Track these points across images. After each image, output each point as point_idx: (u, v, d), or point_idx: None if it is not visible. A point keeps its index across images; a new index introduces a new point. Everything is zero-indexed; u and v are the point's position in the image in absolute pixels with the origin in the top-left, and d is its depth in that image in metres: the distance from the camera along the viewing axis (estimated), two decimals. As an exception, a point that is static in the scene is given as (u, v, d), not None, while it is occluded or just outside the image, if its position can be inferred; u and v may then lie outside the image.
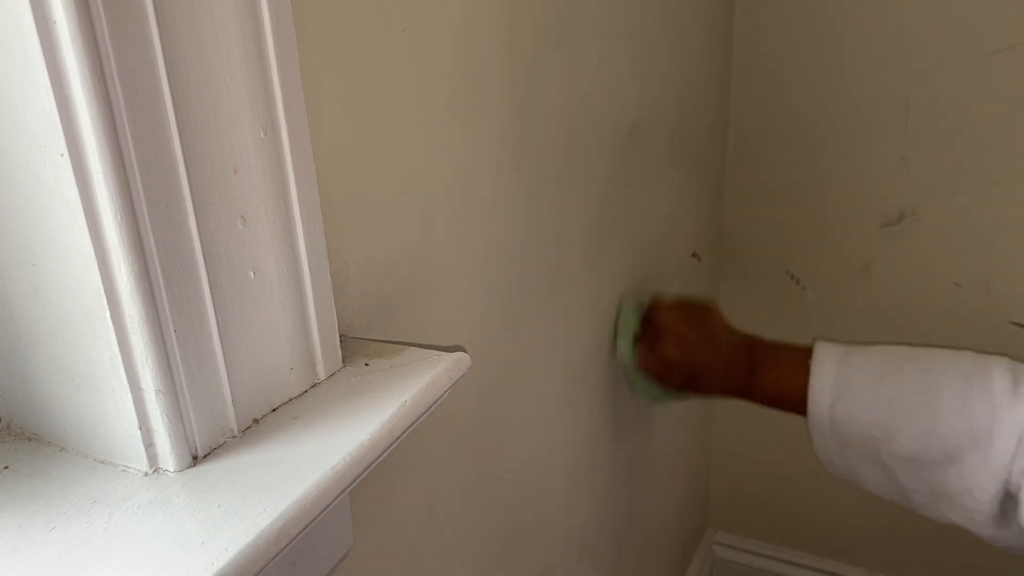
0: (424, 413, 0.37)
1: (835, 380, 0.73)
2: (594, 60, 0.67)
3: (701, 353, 0.78)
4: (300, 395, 0.37)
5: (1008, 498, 0.65)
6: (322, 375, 0.38)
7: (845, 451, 0.73)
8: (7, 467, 0.32)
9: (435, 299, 0.50)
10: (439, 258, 0.50)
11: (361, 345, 0.41)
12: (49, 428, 0.34)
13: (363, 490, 0.45)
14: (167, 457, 0.31)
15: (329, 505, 0.31)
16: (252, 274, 0.33)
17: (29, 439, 0.34)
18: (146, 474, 0.31)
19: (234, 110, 0.31)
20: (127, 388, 0.30)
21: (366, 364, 0.39)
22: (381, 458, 0.34)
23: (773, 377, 0.77)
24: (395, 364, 0.39)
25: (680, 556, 1.26)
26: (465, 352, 0.41)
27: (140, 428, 0.31)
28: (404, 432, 0.36)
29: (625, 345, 0.81)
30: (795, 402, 0.75)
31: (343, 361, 0.40)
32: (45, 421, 0.34)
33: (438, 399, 0.38)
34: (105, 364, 0.30)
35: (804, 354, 0.76)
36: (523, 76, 0.56)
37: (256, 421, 0.35)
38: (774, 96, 1.10)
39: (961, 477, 0.65)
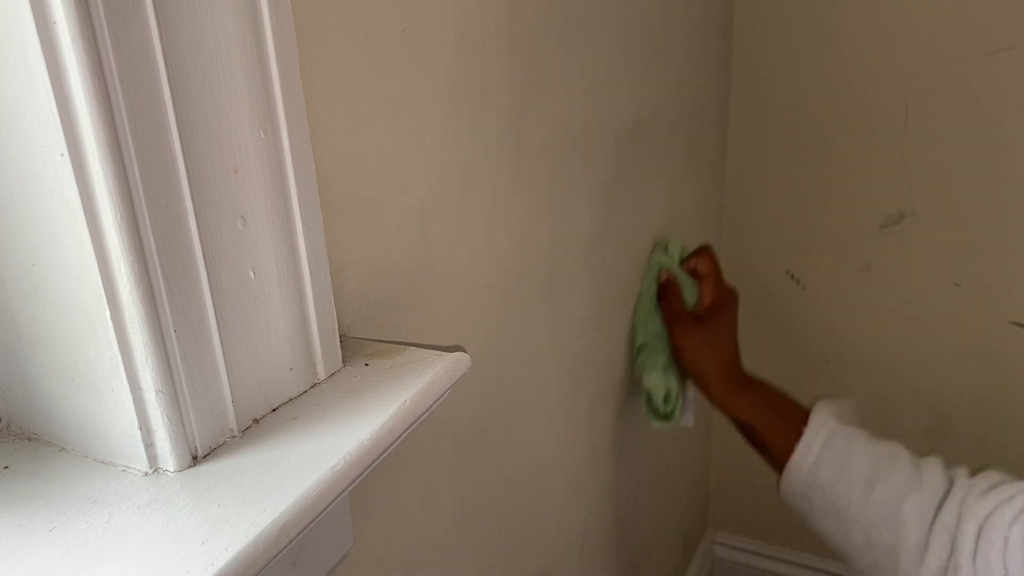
0: (424, 413, 0.37)
1: (838, 417, 0.75)
2: (594, 60, 0.67)
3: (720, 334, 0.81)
4: (300, 395, 0.37)
5: None
6: (322, 375, 0.38)
7: (814, 485, 0.74)
8: (7, 467, 0.32)
9: (435, 299, 0.50)
10: (439, 258, 0.50)
11: (361, 345, 0.41)
12: (49, 428, 0.34)
13: (363, 490, 0.45)
14: (167, 457, 0.31)
15: (329, 505, 0.31)
16: (252, 274, 0.33)
17: (29, 439, 0.34)
18: (146, 474, 0.31)
19: (234, 110, 0.31)
20: (127, 388, 0.30)
21: (366, 364, 0.39)
22: (381, 458, 0.34)
23: (768, 396, 0.79)
24: (395, 364, 0.39)
25: (680, 556, 1.26)
26: (465, 352, 0.41)
27: (140, 428, 0.31)
28: (404, 432, 0.36)
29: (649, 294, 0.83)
30: (786, 424, 0.76)
31: (343, 361, 0.40)
32: (45, 421, 0.34)
33: (438, 399, 0.38)
34: (105, 364, 0.30)
35: (796, 402, 0.79)
36: (523, 76, 0.56)
37: (256, 421, 0.35)
38: (774, 96, 1.10)
39: (918, 549, 0.67)
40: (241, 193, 0.32)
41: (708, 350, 0.80)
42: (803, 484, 0.73)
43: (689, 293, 0.84)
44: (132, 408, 0.30)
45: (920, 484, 0.68)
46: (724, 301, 0.84)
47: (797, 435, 0.74)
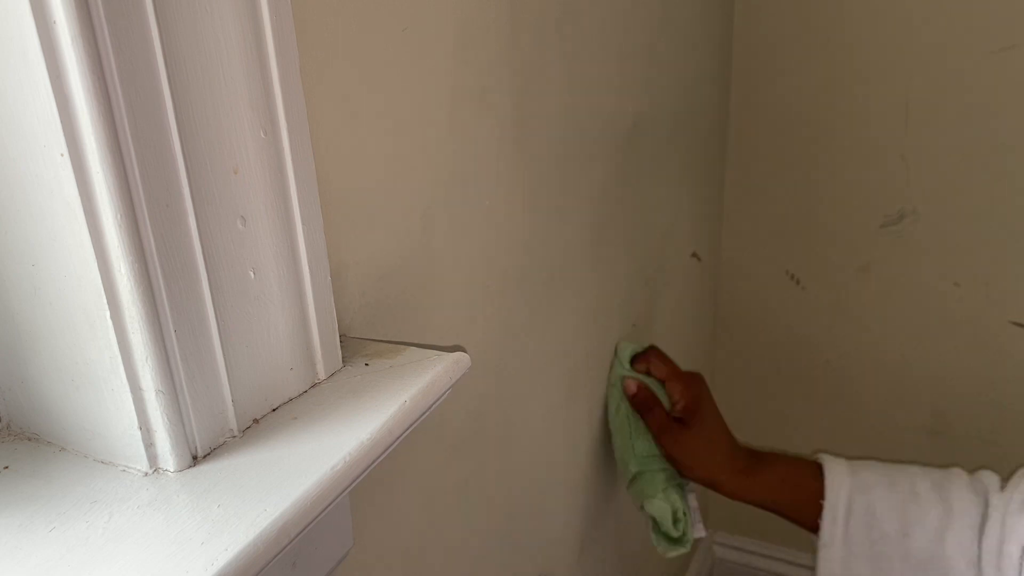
0: (424, 413, 0.37)
1: (850, 473, 0.73)
2: (594, 60, 0.67)
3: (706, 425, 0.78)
4: (300, 395, 0.37)
5: None
6: (322, 375, 0.38)
7: (851, 556, 0.72)
8: (7, 467, 0.32)
9: (435, 299, 0.50)
10: (439, 258, 0.50)
11: (361, 345, 0.41)
12: (49, 428, 0.34)
13: (363, 490, 0.45)
14: (167, 457, 0.31)
15: (329, 505, 0.31)
16: (252, 274, 0.34)
17: (29, 439, 0.34)
18: (146, 474, 0.31)
19: (234, 110, 0.31)
20: (127, 388, 0.30)
21: (366, 364, 0.39)
22: (381, 458, 0.34)
23: (779, 471, 0.76)
24: (395, 364, 0.39)
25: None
26: (465, 352, 0.41)
27: (140, 428, 0.31)
28: (404, 432, 0.36)
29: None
30: (804, 496, 0.74)
31: (343, 361, 0.40)
32: (45, 421, 0.34)
33: (438, 399, 0.38)
34: (105, 364, 0.30)
35: (804, 462, 0.76)
36: (523, 76, 0.56)
37: (256, 421, 0.35)
38: (774, 96, 1.10)
39: None
40: (241, 193, 0.32)
41: (706, 450, 0.77)
42: (839, 560, 0.72)
43: (661, 395, 0.79)
44: (132, 408, 0.30)
45: (952, 515, 0.67)
46: (696, 393, 0.79)
47: (818, 509, 0.72)
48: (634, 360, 0.81)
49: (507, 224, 0.57)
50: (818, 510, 0.72)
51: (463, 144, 0.50)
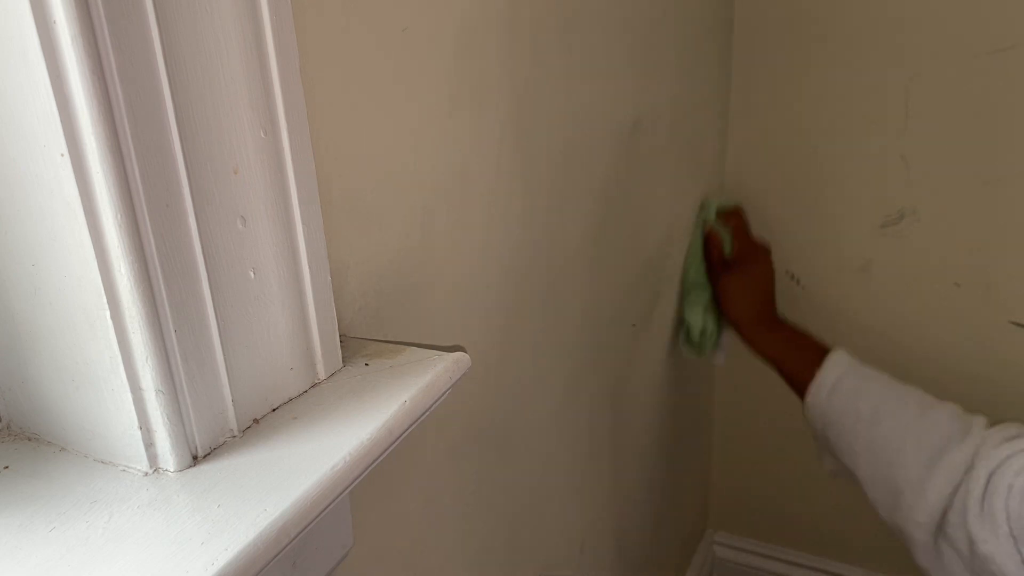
0: (424, 413, 0.37)
1: (850, 359, 0.83)
2: (594, 60, 0.67)
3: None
4: (300, 395, 0.37)
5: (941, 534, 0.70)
6: (322, 375, 0.38)
7: (827, 424, 0.81)
8: (7, 467, 0.32)
9: (435, 299, 0.50)
10: (439, 258, 0.50)
11: (361, 345, 0.41)
12: (49, 428, 0.34)
13: (363, 490, 0.45)
14: (167, 457, 0.31)
15: (329, 505, 0.31)
16: (252, 274, 0.34)
17: (29, 439, 0.34)
18: (146, 474, 0.31)
19: (234, 110, 0.31)
20: (127, 388, 0.30)
21: (366, 364, 0.39)
22: (381, 458, 0.34)
23: (794, 336, 0.90)
24: (395, 364, 0.39)
25: (680, 556, 1.26)
26: (465, 352, 0.41)
27: (140, 428, 0.31)
28: (404, 432, 0.36)
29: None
30: (805, 362, 0.84)
31: (343, 361, 0.40)
32: (45, 421, 0.34)
33: (438, 399, 0.38)
34: (105, 364, 0.30)
35: (819, 342, 0.88)
36: (523, 76, 0.56)
37: (256, 421, 0.35)
38: (774, 96, 1.10)
39: (920, 482, 0.71)
40: (241, 193, 0.32)
41: (740, 294, 0.93)
42: (819, 420, 0.80)
43: (728, 244, 0.98)
44: (132, 408, 0.30)
45: (925, 425, 0.72)
46: (751, 252, 0.98)
47: (812, 376, 0.82)
48: (720, 213, 1.00)
49: (507, 223, 0.57)
50: (814, 372, 0.83)
51: (463, 144, 0.50)
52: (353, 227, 0.42)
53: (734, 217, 1.01)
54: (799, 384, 0.85)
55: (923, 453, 0.70)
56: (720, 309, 0.97)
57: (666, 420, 1.05)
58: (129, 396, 0.30)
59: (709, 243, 0.98)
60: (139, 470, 0.32)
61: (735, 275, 0.94)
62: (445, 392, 0.39)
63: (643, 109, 0.79)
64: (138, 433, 0.31)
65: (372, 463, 0.33)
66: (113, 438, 0.32)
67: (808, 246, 1.15)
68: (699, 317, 0.96)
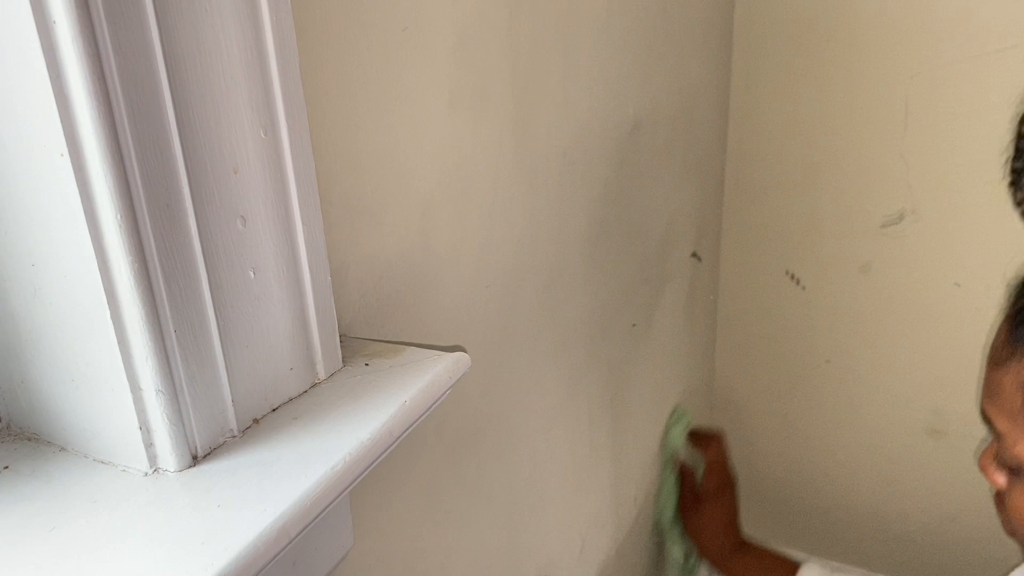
0: (424, 413, 0.37)
1: (819, 572, 0.89)
2: (594, 60, 0.67)
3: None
4: (300, 395, 0.37)
5: None
6: (322, 375, 0.38)
7: None
8: (7, 467, 0.32)
9: (435, 299, 0.50)
10: (439, 257, 0.50)
11: (361, 345, 0.41)
12: (49, 428, 0.34)
13: (363, 490, 0.45)
14: (167, 457, 0.31)
15: (329, 505, 0.31)
16: (252, 274, 0.33)
17: (29, 439, 0.34)
18: (146, 474, 0.31)
19: (234, 110, 0.31)
20: (127, 388, 0.30)
21: (366, 364, 0.39)
22: (381, 458, 0.34)
23: (761, 561, 0.97)
24: (395, 364, 0.39)
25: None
26: (465, 352, 0.41)
27: (140, 428, 0.31)
28: (404, 432, 0.36)
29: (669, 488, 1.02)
30: None
31: (343, 361, 0.40)
32: (45, 421, 0.34)
33: (438, 399, 0.38)
34: (105, 364, 0.30)
35: (787, 561, 0.95)
36: (523, 76, 0.56)
37: (256, 421, 0.35)
38: (774, 96, 1.10)
39: None
40: (241, 193, 0.32)
41: (711, 530, 0.98)
42: None
43: (699, 474, 1.02)
44: (132, 408, 0.30)
45: None
46: (726, 485, 1.01)
47: None
48: (693, 435, 1.03)
49: (507, 223, 0.57)
50: None
51: (463, 144, 0.50)
52: (353, 227, 0.42)
53: (714, 446, 1.02)
54: None
55: None
56: (690, 540, 1.03)
57: (666, 420, 1.05)
58: (129, 396, 0.30)
59: (684, 481, 1.02)
60: (139, 470, 0.32)
61: (705, 513, 0.99)
62: (445, 392, 0.39)
63: (643, 109, 0.79)
64: (138, 433, 0.31)
65: (372, 463, 0.33)
66: (113, 438, 0.32)
67: (808, 246, 1.15)
68: (681, 550, 1.04)
